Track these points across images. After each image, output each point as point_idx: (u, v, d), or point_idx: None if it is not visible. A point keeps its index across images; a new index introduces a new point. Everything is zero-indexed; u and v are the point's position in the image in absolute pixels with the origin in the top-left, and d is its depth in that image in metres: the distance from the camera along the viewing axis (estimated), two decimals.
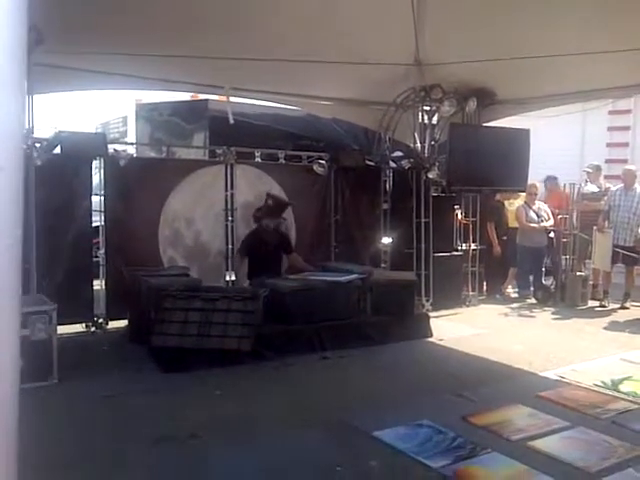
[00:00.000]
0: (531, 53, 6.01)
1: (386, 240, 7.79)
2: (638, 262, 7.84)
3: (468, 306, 7.91)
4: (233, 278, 6.84)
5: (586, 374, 4.86)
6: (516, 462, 3.24)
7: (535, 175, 8.85)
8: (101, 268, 6.28)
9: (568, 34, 5.74)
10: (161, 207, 6.57)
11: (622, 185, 7.92)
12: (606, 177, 9.19)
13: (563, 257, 8.33)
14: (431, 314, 6.77)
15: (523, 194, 8.48)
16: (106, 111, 11.91)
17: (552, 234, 8.63)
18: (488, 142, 7.59)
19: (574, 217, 8.38)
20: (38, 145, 5.63)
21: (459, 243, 8.24)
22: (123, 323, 6.22)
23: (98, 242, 6.50)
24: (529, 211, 8.37)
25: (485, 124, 8.17)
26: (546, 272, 8.71)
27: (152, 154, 8.97)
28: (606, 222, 7.95)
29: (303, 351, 5.43)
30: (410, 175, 7.73)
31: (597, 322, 7.05)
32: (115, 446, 3.49)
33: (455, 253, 8.04)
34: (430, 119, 7.90)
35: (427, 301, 7.46)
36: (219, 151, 7.06)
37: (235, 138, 7.22)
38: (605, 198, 8.26)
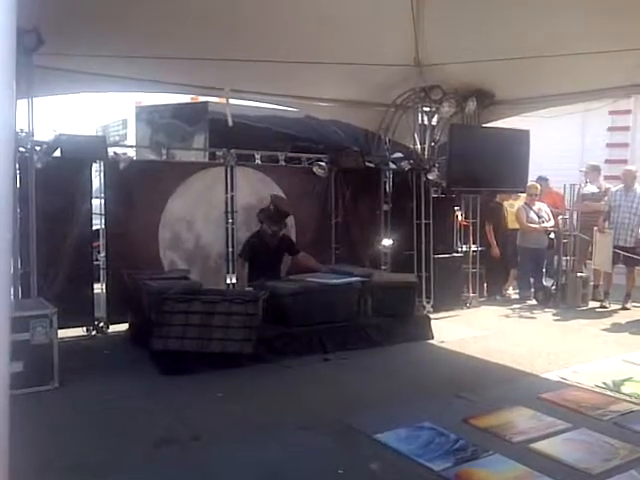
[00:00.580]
0: (530, 53, 6.00)
1: (386, 242, 7.78)
2: (639, 263, 7.82)
3: (469, 307, 7.90)
4: (234, 281, 6.82)
5: (587, 375, 4.84)
6: (518, 464, 3.23)
7: (535, 176, 8.85)
8: (101, 271, 6.28)
9: (568, 34, 5.74)
10: (161, 210, 6.57)
11: (622, 186, 7.90)
12: (606, 177, 9.17)
13: (564, 258, 8.31)
14: (432, 316, 6.75)
15: (523, 195, 8.48)
16: (106, 114, 11.89)
17: (552, 235, 8.61)
18: (488, 143, 7.57)
19: (574, 218, 8.37)
20: (38, 148, 5.61)
21: (459, 244, 8.23)
22: (124, 327, 6.22)
23: (98, 245, 6.50)
24: (530, 212, 8.36)
25: (485, 125, 8.16)
26: (546, 273, 8.70)
27: (152, 157, 8.97)
28: (606, 223, 7.93)
29: (304, 353, 5.43)
30: (410, 176, 7.71)
31: (598, 323, 7.03)
32: (116, 449, 3.48)
33: (455, 254, 8.02)
34: (430, 120, 7.90)
35: (428, 303, 7.46)
36: (219, 153, 7.05)
37: (235, 140, 7.21)
38: (605, 199, 8.24)
